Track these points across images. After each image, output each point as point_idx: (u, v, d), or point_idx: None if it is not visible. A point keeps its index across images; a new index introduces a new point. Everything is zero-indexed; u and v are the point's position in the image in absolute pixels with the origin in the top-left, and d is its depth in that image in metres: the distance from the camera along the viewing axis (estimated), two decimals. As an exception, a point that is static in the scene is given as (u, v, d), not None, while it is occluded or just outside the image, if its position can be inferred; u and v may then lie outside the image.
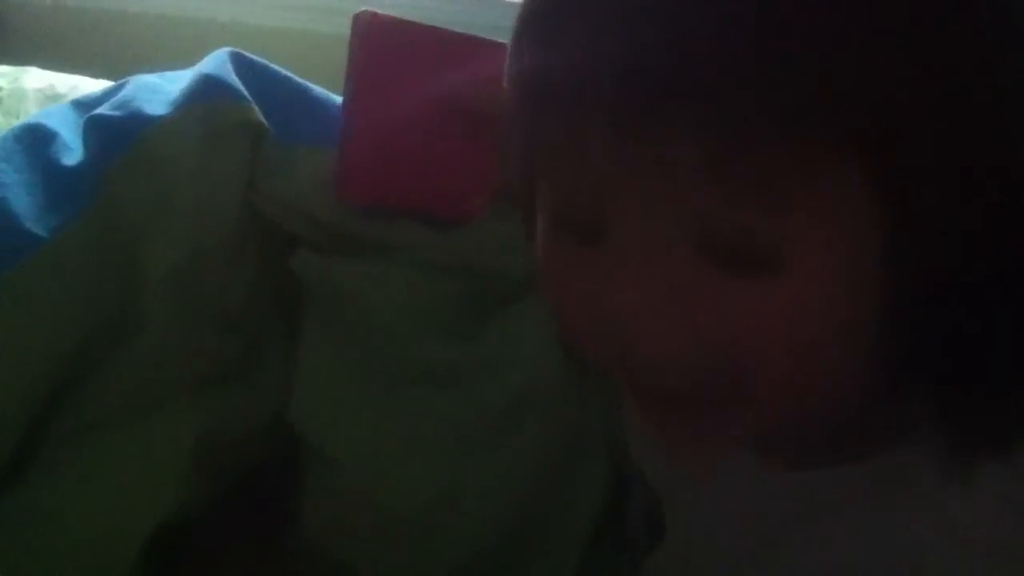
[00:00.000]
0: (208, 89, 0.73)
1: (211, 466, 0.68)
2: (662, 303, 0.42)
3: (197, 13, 1.65)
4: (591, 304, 0.45)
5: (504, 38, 0.47)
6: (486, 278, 0.72)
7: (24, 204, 0.67)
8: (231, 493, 0.70)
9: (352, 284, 0.71)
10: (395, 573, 0.68)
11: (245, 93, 0.74)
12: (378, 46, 0.73)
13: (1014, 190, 0.40)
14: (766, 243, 0.40)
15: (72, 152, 0.72)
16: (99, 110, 0.72)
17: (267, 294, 0.74)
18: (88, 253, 0.68)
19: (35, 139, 0.72)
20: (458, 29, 0.75)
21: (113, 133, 0.71)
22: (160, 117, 0.71)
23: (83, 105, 0.76)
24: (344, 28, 0.73)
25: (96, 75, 1.14)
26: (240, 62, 0.76)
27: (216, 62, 0.76)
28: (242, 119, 0.73)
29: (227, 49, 0.77)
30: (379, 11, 0.73)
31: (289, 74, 0.79)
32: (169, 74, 0.78)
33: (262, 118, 0.73)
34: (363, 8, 0.73)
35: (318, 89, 0.79)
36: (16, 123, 0.76)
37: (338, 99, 0.75)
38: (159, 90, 0.75)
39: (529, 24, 0.44)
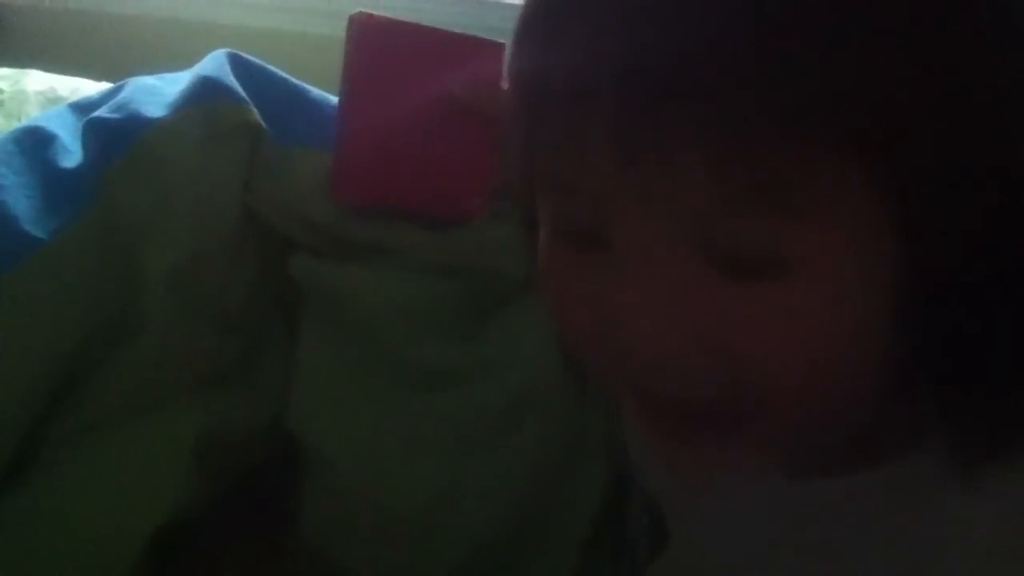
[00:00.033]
0: (206, 91, 0.73)
1: (211, 466, 0.68)
2: (662, 304, 0.42)
3: (196, 16, 1.65)
4: (591, 305, 0.45)
5: (501, 40, 0.46)
6: (485, 278, 0.72)
7: (23, 207, 0.68)
8: (231, 493, 0.70)
9: (351, 288, 0.71)
10: (395, 573, 0.68)
11: (243, 94, 0.74)
12: (373, 47, 0.73)
13: (1014, 190, 0.40)
14: (767, 246, 0.40)
15: (71, 154, 0.72)
16: (98, 113, 0.72)
17: (267, 294, 0.74)
18: (88, 255, 0.68)
19: (34, 142, 0.72)
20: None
21: (112, 135, 0.71)
22: (159, 119, 0.71)
23: (82, 108, 0.76)
24: (341, 30, 0.73)
25: (97, 77, 1.14)
26: (237, 64, 0.76)
27: (214, 64, 0.76)
28: (240, 120, 0.73)
29: (224, 51, 0.78)
30: (374, 13, 0.73)
31: (286, 76, 0.79)
32: (167, 76, 0.78)
33: (260, 119, 0.73)
34: (359, 10, 0.73)
35: (315, 91, 0.79)
36: (17, 125, 0.76)
37: (335, 101, 0.75)
38: (157, 92, 0.75)
39: (530, 24, 0.44)
